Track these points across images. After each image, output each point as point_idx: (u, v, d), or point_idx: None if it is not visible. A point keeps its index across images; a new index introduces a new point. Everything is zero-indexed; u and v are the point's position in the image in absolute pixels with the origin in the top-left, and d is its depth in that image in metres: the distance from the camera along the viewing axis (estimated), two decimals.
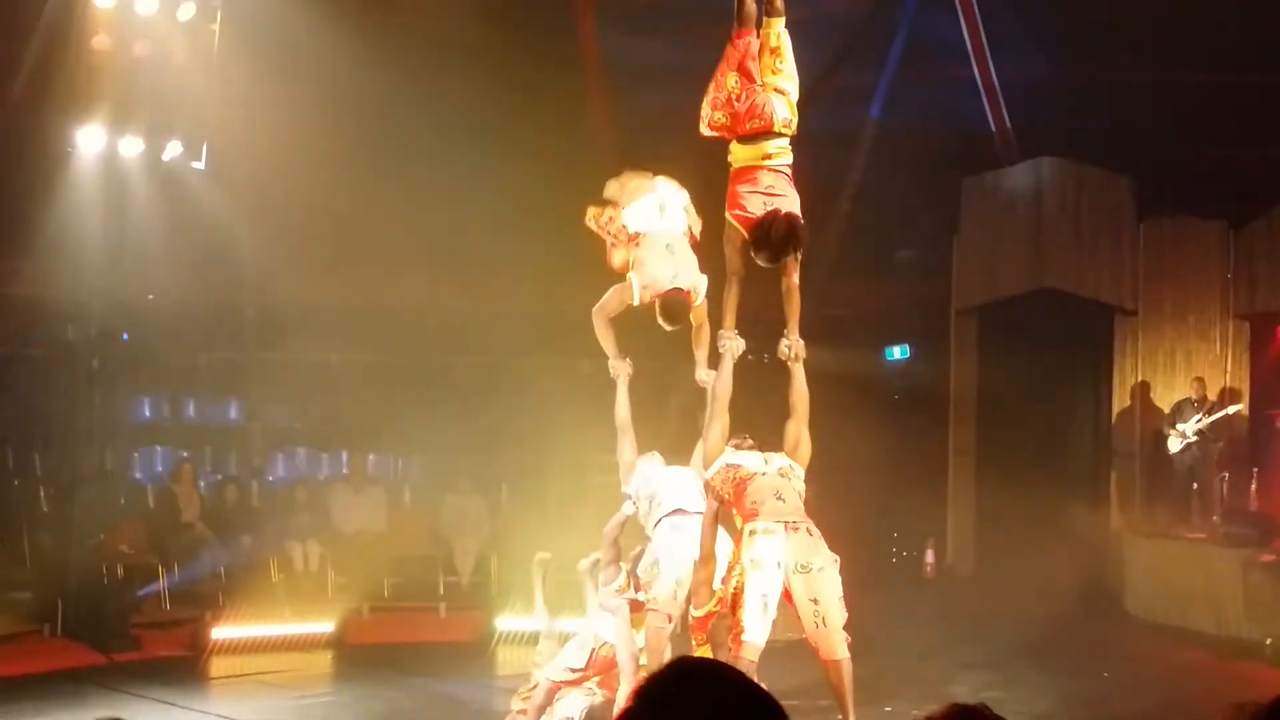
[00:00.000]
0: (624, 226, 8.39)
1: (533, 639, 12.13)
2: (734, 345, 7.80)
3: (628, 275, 8.26)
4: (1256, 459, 15.74)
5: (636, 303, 8.16)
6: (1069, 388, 17.73)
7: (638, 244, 8.32)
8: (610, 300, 8.28)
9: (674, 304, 8.07)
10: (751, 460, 7.54)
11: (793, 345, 7.74)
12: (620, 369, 8.48)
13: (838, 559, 7.30)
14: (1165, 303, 16.80)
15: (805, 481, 7.68)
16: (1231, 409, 15.72)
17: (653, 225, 8.32)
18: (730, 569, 7.36)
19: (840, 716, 7.34)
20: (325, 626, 13.67)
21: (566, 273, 16.51)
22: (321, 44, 14.16)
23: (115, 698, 11.04)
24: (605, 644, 8.86)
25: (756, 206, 7.56)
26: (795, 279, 7.70)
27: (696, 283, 8.19)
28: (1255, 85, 16.02)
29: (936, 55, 17.48)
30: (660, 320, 8.14)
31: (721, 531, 7.72)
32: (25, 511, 15.16)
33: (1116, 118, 16.58)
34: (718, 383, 7.87)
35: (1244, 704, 3.87)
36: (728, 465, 7.54)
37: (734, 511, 7.50)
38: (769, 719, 2.15)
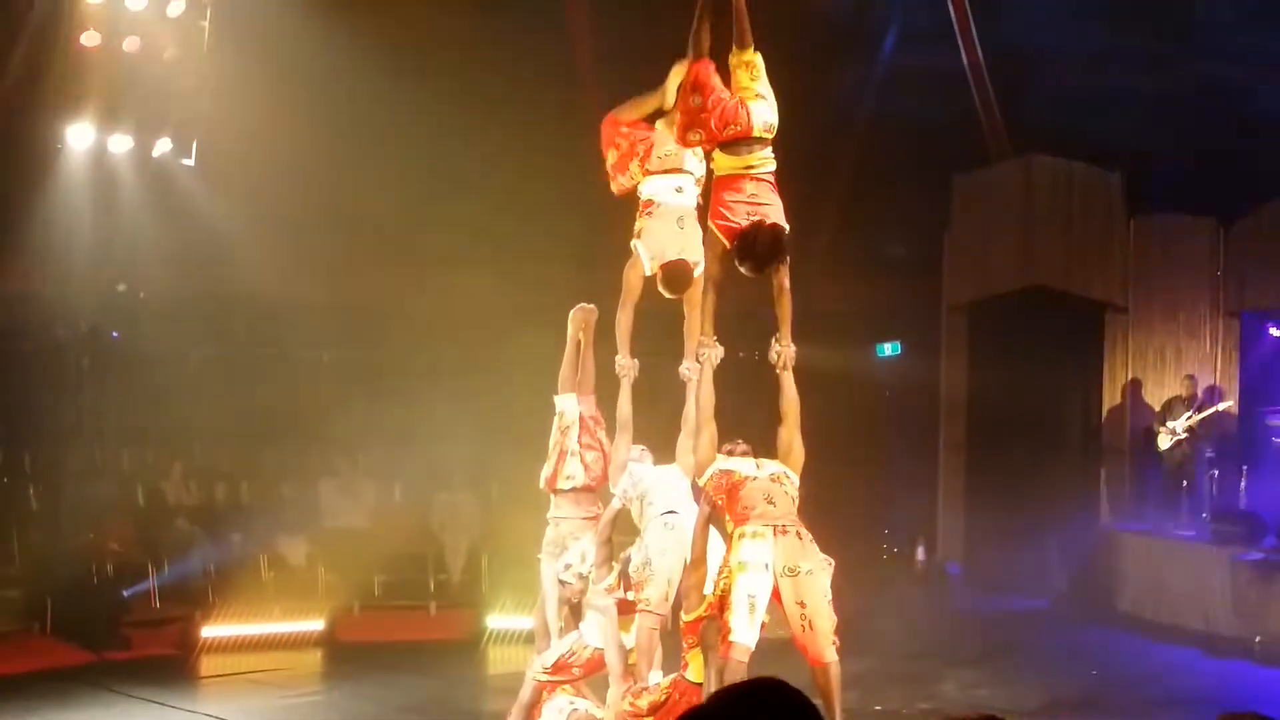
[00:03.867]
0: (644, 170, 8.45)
1: (524, 637, 12.16)
2: (713, 353, 7.76)
3: (633, 245, 8.28)
4: (1246, 457, 15.75)
5: (649, 273, 8.18)
6: (1059, 384, 17.73)
7: (650, 213, 8.36)
8: (628, 283, 8.25)
9: (678, 273, 8.13)
10: (744, 465, 7.51)
11: (782, 352, 7.63)
12: (628, 368, 8.47)
13: (830, 562, 7.28)
14: (1155, 300, 16.81)
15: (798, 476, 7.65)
16: (1221, 405, 15.74)
17: (668, 199, 8.36)
18: (720, 572, 7.35)
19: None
20: (315, 625, 13.65)
21: (562, 265, 16.56)
22: (311, 40, 14.13)
23: (104, 697, 11.01)
24: (588, 646, 8.87)
25: (741, 216, 7.49)
26: (786, 281, 7.63)
27: (700, 258, 8.24)
28: (1245, 81, 16.07)
29: (928, 51, 17.49)
30: (661, 288, 8.20)
31: (714, 535, 7.70)
32: (14, 509, 15.13)
33: (1107, 115, 16.61)
34: (700, 392, 7.84)
35: (1239, 715, 3.89)
36: (720, 471, 7.52)
37: (726, 516, 7.48)
38: None
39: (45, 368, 14.51)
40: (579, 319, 9.47)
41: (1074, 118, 17.00)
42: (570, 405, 9.36)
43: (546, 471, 9.23)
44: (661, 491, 8.35)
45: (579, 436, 9.20)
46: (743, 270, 7.45)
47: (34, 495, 15.01)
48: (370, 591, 15.19)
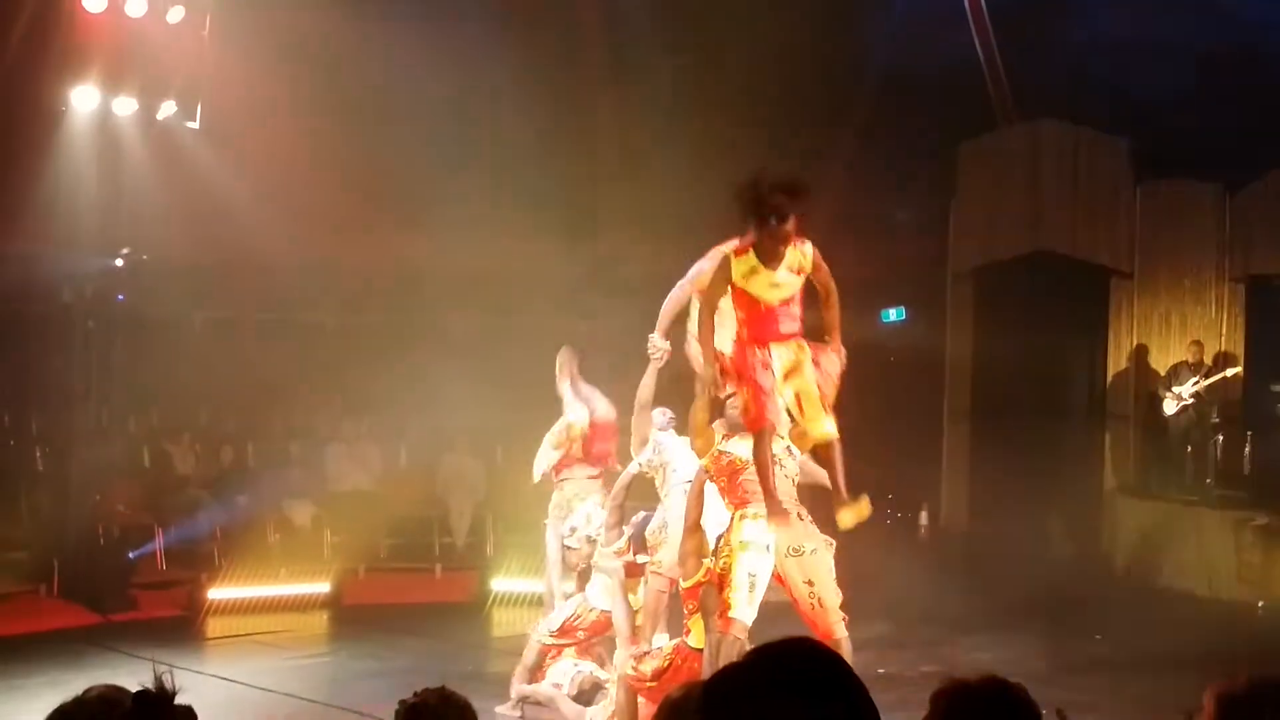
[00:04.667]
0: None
1: (529, 600, 12.23)
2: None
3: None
4: (1251, 422, 15.75)
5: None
6: (1064, 350, 17.72)
7: None
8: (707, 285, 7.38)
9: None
10: (743, 449, 7.47)
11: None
12: (660, 351, 8.06)
13: (832, 542, 7.30)
14: (1161, 266, 16.78)
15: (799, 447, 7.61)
16: (1229, 372, 15.73)
17: None
18: (719, 550, 7.37)
19: None
20: (321, 587, 13.72)
21: (568, 231, 16.54)
22: (317, 2, 14.08)
23: (111, 658, 11.06)
24: (593, 609, 8.92)
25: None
26: (831, 283, 7.04)
27: None
28: (1253, 47, 15.99)
29: (935, 17, 17.41)
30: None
31: (717, 499, 7.70)
32: (21, 472, 15.19)
33: (1115, 80, 16.54)
34: (641, 389, 7.93)
35: (1237, 681, 3.90)
36: (720, 452, 7.52)
37: (725, 500, 7.49)
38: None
39: (51, 331, 14.51)
40: (563, 361, 9.75)
41: (1082, 84, 16.94)
42: (582, 416, 9.41)
43: (545, 466, 9.30)
44: (684, 459, 8.38)
45: (589, 443, 9.34)
46: (773, 213, 6.65)
47: (41, 458, 15.06)
48: (376, 554, 15.25)
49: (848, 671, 1.93)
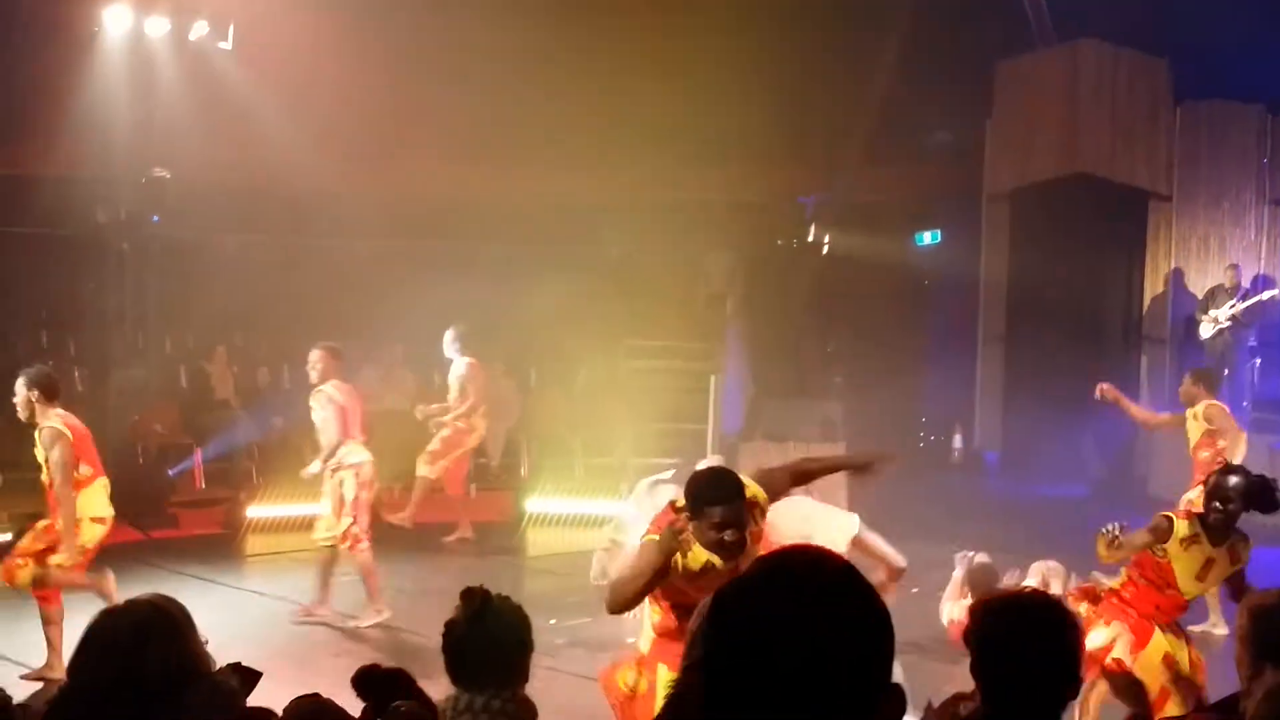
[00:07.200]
0: None
1: (562, 521, 12.36)
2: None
3: None
4: None
5: None
6: (1100, 273, 17.61)
7: None
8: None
9: None
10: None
11: None
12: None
13: None
14: (1200, 188, 16.61)
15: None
16: (1265, 295, 15.61)
17: None
18: None
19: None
20: None
21: (595, 161, 16.45)
22: None
23: (153, 573, 11.21)
24: None
25: None
26: None
27: None
28: None
29: None
30: None
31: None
32: (60, 392, 15.29)
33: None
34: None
35: (1267, 593, 3.99)
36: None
37: None
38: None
39: (86, 252, 14.58)
40: None
41: (1121, 3, 16.68)
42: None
43: None
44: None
45: None
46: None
47: (79, 379, 15.17)
48: (411, 473, 15.32)
49: (857, 578, 1.92)
